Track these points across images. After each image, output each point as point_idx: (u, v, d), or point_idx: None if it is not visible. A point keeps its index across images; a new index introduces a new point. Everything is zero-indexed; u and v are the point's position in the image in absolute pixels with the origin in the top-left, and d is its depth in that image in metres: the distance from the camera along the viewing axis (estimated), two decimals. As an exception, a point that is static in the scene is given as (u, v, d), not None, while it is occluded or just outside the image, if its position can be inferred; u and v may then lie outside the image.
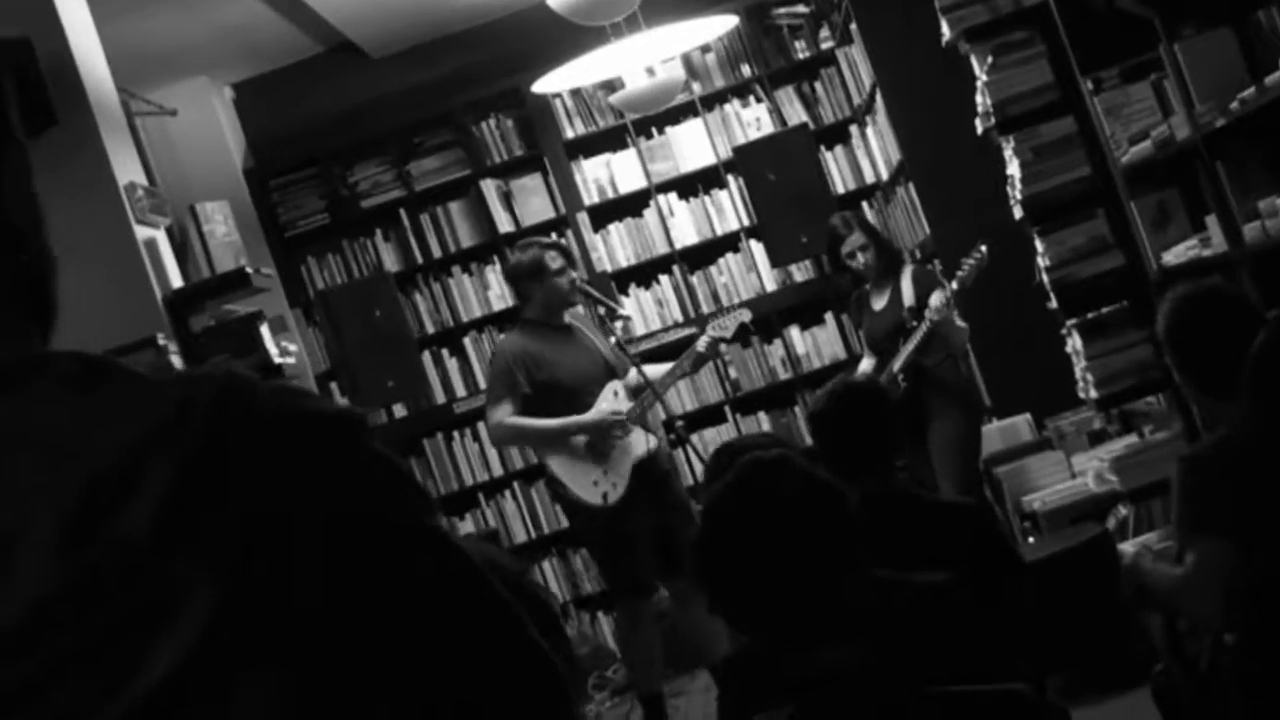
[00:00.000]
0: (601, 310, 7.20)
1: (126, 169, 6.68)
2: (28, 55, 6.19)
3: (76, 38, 6.57)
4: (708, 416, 9.30)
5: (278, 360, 6.65)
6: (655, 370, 7.15)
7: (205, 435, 1.05)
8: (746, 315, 7.40)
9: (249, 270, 6.74)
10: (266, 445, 1.08)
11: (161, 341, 6.26)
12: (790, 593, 2.81)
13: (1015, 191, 6.30)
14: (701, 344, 7.08)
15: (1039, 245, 6.30)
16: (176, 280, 6.77)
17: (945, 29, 6.35)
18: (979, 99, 6.41)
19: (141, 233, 6.55)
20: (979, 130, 6.52)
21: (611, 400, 6.90)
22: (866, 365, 7.34)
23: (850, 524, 2.87)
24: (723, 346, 7.46)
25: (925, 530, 4.07)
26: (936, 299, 6.83)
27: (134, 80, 8.17)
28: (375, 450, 1.14)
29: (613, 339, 7.02)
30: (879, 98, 8.23)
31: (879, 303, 7.20)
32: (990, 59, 6.26)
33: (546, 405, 6.85)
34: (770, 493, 2.83)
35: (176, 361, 6.33)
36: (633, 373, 6.97)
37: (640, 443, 6.90)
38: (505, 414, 6.87)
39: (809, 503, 2.82)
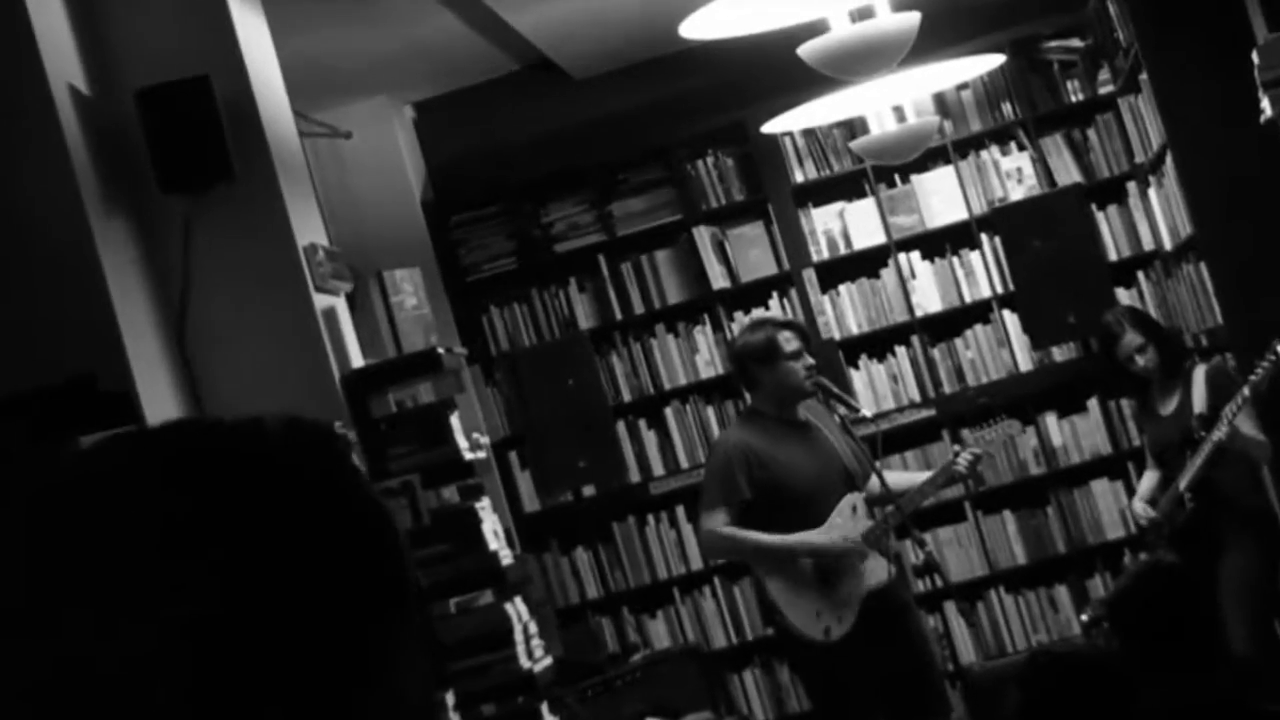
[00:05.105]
0: (840, 409, 6.92)
1: (307, 228, 6.53)
2: (206, 97, 5.97)
3: (258, 74, 6.38)
4: (943, 514, 9.04)
5: (469, 457, 6.48)
6: (897, 479, 6.98)
7: None
8: (1016, 428, 7.30)
9: (441, 351, 6.55)
10: None
11: (339, 429, 6.05)
12: None
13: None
14: (962, 463, 6.88)
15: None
16: (356, 356, 6.62)
17: (1266, 106, 6.24)
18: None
19: (321, 301, 6.40)
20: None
21: (849, 516, 6.73)
22: (1149, 481, 7.35)
23: None
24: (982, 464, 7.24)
25: None
26: (1232, 408, 6.77)
27: (304, 100, 8.02)
28: None
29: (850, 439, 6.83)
30: (1169, 159, 7.98)
31: (1166, 407, 7.18)
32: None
33: (771, 514, 6.66)
34: None
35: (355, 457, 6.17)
36: (873, 481, 6.74)
37: (876, 569, 6.69)
38: (719, 522, 6.72)
39: None
